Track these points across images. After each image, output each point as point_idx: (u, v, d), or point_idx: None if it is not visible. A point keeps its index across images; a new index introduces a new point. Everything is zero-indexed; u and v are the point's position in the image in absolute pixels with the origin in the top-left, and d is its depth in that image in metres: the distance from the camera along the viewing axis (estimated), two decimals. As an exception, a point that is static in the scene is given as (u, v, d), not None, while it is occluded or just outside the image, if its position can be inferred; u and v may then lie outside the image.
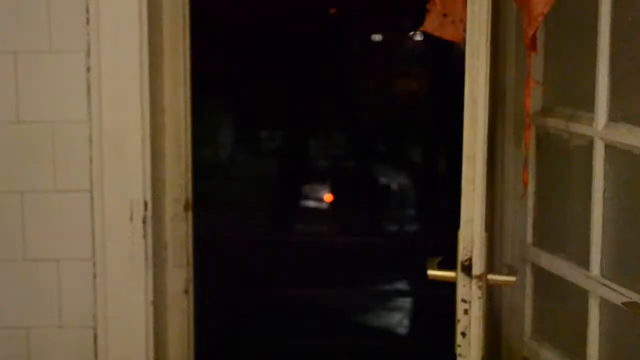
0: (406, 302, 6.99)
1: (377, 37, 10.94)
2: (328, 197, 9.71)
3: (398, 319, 6.74)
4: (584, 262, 2.49)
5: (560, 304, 2.72)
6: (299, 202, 9.49)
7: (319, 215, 9.32)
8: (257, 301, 6.79)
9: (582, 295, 2.51)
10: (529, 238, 2.82)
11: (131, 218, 2.82)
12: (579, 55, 2.57)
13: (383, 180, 10.19)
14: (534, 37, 2.49)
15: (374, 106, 10.69)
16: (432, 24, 2.61)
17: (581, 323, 2.51)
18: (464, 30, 2.23)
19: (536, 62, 2.65)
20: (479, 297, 2.24)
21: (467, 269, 2.24)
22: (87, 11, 2.78)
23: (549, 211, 2.76)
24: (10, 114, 2.82)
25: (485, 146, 2.21)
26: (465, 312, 2.25)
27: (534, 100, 2.67)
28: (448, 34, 2.61)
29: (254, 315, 6.50)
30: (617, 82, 2.39)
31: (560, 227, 2.70)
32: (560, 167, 2.69)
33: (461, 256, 2.24)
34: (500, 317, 2.98)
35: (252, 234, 8.55)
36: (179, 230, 3.05)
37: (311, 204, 9.54)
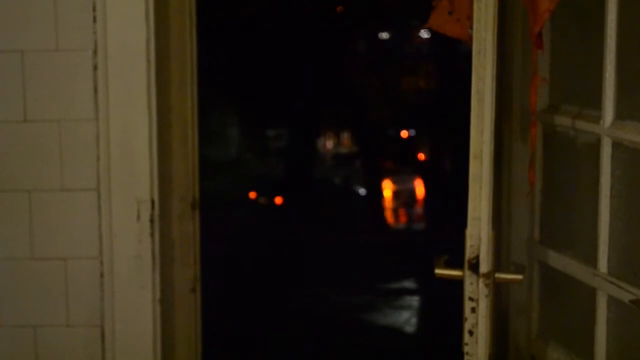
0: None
1: (384, 35, 10.93)
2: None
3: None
4: (592, 260, 2.49)
5: (567, 302, 2.72)
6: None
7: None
8: (264, 300, 6.79)
9: (590, 293, 2.50)
10: (536, 236, 2.82)
11: (138, 217, 2.83)
12: (585, 52, 2.57)
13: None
14: (540, 34, 2.48)
15: (380, 103, 10.68)
16: (436, 21, 2.61)
17: (588, 321, 2.50)
18: (471, 27, 2.22)
19: (542, 60, 2.65)
20: (486, 295, 2.24)
21: (475, 267, 2.24)
22: (94, 10, 2.79)
23: (556, 209, 2.75)
24: (17, 113, 2.83)
25: (492, 144, 2.21)
26: (473, 310, 2.25)
27: (540, 97, 2.67)
28: (452, 31, 2.61)
29: (261, 313, 6.50)
30: (624, 80, 2.38)
31: (567, 225, 2.69)
32: (567, 165, 2.68)
33: (468, 254, 2.24)
34: (508, 315, 2.97)
35: (258, 231, 8.56)
36: (186, 229, 3.05)
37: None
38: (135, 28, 2.78)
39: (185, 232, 3.05)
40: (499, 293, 2.83)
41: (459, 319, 2.28)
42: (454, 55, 9.15)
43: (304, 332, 6.20)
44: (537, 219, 2.81)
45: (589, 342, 2.50)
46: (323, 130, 10.48)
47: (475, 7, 2.19)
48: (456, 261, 2.30)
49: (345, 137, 10.86)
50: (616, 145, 2.41)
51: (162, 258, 2.89)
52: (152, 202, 2.83)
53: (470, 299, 2.25)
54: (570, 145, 2.64)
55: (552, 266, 2.72)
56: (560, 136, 2.68)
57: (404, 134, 10.61)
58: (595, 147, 2.47)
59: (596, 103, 2.45)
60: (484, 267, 2.24)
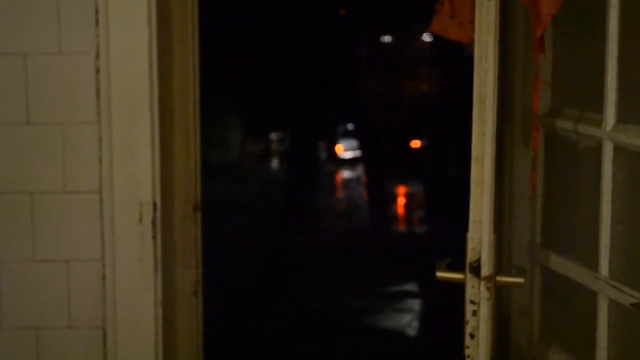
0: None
1: (386, 39, 10.94)
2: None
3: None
4: (593, 264, 2.49)
5: (568, 305, 2.72)
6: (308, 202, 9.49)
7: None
8: (266, 303, 6.80)
9: (591, 296, 2.51)
10: (538, 239, 2.82)
11: (140, 219, 2.83)
12: (587, 56, 2.57)
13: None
14: (542, 38, 2.49)
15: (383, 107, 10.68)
16: (438, 25, 2.62)
17: (590, 324, 2.51)
18: (473, 31, 2.23)
19: (544, 63, 2.65)
20: (488, 299, 2.24)
21: (476, 270, 2.24)
22: (97, 13, 2.79)
23: (557, 212, 2.75)
24: (20, 115, 2.83)
25: (494, 147, 2.21)
26: (474, 313, 2.25)
27: (542, 101, 2.67)
28: (455, 34, 2.61)
29: (263, 317, 6.50)
30: (625, 83, 2.39)
31: (568, 229, 2.70)
32: (568, 169, 2.68)
33: (470, 257, 2.24)
34: (509, 319, 2.98)
35: (260, 235, 8.56)
36: (188, 232, 3.06)
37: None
38: (137, 31, 2.79)
39: (187, 235, 3.05)
40: (501, 296, 2.83)
41: (461, 322, 2.28)
42: (458, 58, 9.15)
43: (306, 336, 6.19)
44: (538, 222, 2.81)
45: (590, 345, 2.50)
46: (326, 133, 10.48)
47: (477, 10, 2.19)
48: (458, 264, 2.30)
49: (348, 140, 10.86)
50: (617, 148, 2.41)
51: (164, 261, 2.89)
52: (154, 205, 2.83)
53: (472, 302, 2.25)
54: (572, 148, 2.64)
55: (553, 269, 2.73)
56: (562, 140, 2.69)
57: (407, 137, 10.61)
58: (596, 151, 2.47)
59: (598, 107, 2.45)
60: (485, 271, 2.24)
